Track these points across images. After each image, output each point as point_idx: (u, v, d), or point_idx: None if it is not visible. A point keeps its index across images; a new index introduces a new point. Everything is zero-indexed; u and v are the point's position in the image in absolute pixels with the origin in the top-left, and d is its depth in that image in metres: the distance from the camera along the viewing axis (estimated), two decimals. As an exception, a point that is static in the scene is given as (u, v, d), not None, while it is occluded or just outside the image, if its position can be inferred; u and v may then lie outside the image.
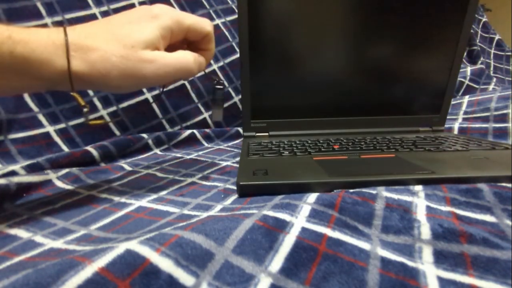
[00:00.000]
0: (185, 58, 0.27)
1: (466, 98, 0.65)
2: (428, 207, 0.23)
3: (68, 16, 0.51)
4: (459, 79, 0.82)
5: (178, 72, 0.27)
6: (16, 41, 0.21)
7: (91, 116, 0.50)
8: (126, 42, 0.25)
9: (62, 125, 0.47)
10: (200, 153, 0.49)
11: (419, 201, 0.23)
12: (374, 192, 0.25)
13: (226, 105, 0.64)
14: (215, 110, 0.36)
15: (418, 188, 0.26)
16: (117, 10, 0.55)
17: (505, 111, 0.52)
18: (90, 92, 0.51)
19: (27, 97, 0.46)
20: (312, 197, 0.24)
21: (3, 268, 0.18)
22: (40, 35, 0.22)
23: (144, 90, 0.55)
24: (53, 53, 0.22)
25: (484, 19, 1.15)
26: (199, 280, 0.16)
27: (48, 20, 0.49)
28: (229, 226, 0.19)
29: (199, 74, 0.59)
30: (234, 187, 0.31)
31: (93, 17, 0.53)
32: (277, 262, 0.17)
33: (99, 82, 0.25)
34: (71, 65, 0.23)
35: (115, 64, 0.24)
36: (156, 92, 0.56)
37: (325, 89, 0.49)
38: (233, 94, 0.65)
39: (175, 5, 0.62)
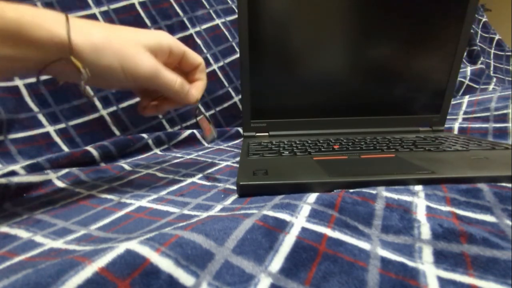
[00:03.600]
0: (174, 78, 0.29)
1: (466, 98, 0.65)
2: (428, 207, 0.23)
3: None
4: (459, 79, 0.82)
5: (161, 85, 0.28)
6: (5, 6, 0.21)
7: (92, 117, 0.50)
8: (129, 39, 0.26)
9: (62, 125, 0.47)
10: (200, 153, 0.49)
11: (419, 201, 0.23)
12: (374, 192, 0.25)
13: (226, 105, 0.64)
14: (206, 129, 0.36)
15: (418, 188, 0.26)
16: (117, 10, 0.55)
17: (505, 111, 0.52)
18: (90, 92, 0.51)
19: (27, 97, 0.46)
20: (312, 197, 0.24)
21: (3, 268, 0.18)
22: (33, 7, 0.22)
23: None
24: (44, 18, 0.22)
25: (484, 19, 1.15)
26: (199, 280, 0.16)
27: (48, 20, 0.49)
28: (229, 226, 0.19)
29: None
30: (234, 187, 0.31)
31: (93, 17, 0.53)
32: (277, 262, 0.17)
33: (90, 55, 0.24)
34: (63, 31, 0.23)
35: (113, 45, 0.25)
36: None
37: (325, 89, 0.49)
38: (233, 94, 0.65)
39: (175, 5, 0.62)
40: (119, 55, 0.25)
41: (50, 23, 0.22)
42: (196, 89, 0.32)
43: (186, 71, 0.32)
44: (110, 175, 0.37)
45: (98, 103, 0.51)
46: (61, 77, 0.26)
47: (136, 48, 0.26)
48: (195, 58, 0.31)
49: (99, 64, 0.25)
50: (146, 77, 0.27)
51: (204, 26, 0.65)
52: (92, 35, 0.24)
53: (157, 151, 0.52)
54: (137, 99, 0.55)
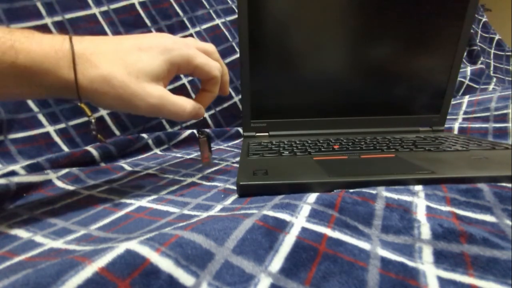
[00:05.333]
0: (182, 107, 0.28)
1: (466, 98, 0.65)
2: (428, 207, 0.23)
3: (68, 16, 0.51)
4: (459, 79, 0.82)
5: (169, 115, 0.28)
6: (18, 51, 0.21)
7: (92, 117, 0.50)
8: (131, 70, 0.25)
9: (62, 125, 0.47)
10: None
11: (419, 201, 0.23)
12: (374, 192, 0.25)
13: (226, 105, 0.64)
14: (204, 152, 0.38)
15: (418, 188, 0.26)
16: (117, 10, 0.55)
17: (505, 111, 0.52)
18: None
19: (27, 97, 0.46)
20: (312, 197, 0.24)
21: (3, 268, 0.18)
22: (43, 44, 0.22)
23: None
24: (55, 64, 0.23)
25: (484, 19, 1.15)
26: (199, 280, 0.16)
27: (48, 20, 0.49)
28: (229, 226, 0.19)
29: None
30: (234, 187, 0.31)
31: (93, 17, 0.53)
32: (277, 262, 0.17)
33: (93, 98, 0.25)
34: (70, 76, 0.23)
35: (114, 88, 0.24)
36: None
37: (325, 89, 0.49)
38: (233, 94, 0.65)
39: (175, 5, 0.62)
40: (120, 100, 0.25)
41: (59, 68, 0.23)
42: (205, 105, 0.31)
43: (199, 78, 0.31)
44: (110, 175, 0.37)
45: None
46: None
47: (139, 83, 0.25)
48: (209, 71, 0.29)
49: (100, 104, 0.26)
50: (149, 113, 0.27)
51: (204, 26, 0.65)
52: (93, 79, 0.24)
53: (157, 151, 0.52)
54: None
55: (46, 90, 0.24)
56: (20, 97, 0.25)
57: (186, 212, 0.26)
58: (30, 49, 0.22)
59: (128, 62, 0.25)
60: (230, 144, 0.57)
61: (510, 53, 1.13)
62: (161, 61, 0.26)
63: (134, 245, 0.17)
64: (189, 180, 0.35)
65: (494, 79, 0.90)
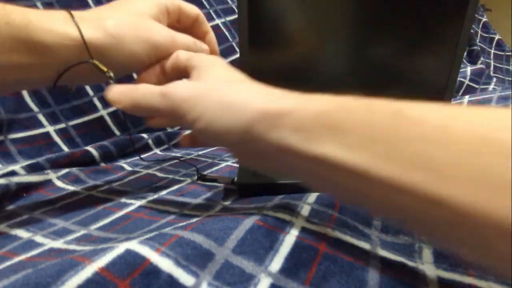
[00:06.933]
0: (188, 38, 0.28)
1: (466, 98, 0.65)
2: (428, 207, 0.22)
3: (68, 16, 0.51)
4: (459, 79, 0.82)
5: (181, 44, 0.27)
6: (9, 11, 0.20)
7: (92, 117, 0.50)
8: (132, 11, 0.25)
9: (62, 125, 0.47)
10: (200, 153, 0.49)
11: (419, 201, 0.23)
12: (374, 192, 0.25)
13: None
14: None
15: (418, 188, 0.26)
16: (117, 10, 0.55)
17: (505, 111, 0.52)
18: (90, 92, 0.51)
19: (27, 97, 0.46)
20: (312, 197, 0.24)
21: (3, 268, 0.18)
22: (41, 11, 0.22)
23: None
24: (53, 21, 0.21)
25: (484, 19, 1.15)
26: (199, 280, 0.16)
27: (48, 20, 0.49)
28: (229, 226, 0.19)
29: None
30: (234, 187, 0.31)
31: (93, 17, 0.53)
32: (277, 262, 0.17)
33: (113, 48, 0.23)
34: (78, 32, 0.22)
35: (128, 29, 0.24)
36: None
37: (325, 89, 0.49)
38: (233, 94, 0.65)
39: (175, 5, 0.62)
40: (139, 40, 0.24)
41: (59, 25, 0.21)
42: (211, 44, 0.31)
43: (186, 27, 0.31)
44: (110, 175, 0.37)
45: (98, 103, 0.51)
46: (78, 81, 0.26)
47: (147, 21, 0.25)
48: (191, 9, 0.29)
49: (122, 53, 0.24)
50: (164, 46, 0.26)
51: (204, 26, 0.65)
52: (104, 25, 0.23)
53: (157, 151, 0.52)
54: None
55: (50, 57, 0.22)
56: (22, 73, 0.22)
57: (186, 212, 0.26)
58: (27, 11, 0.21)
59: (127, 7, 0.25)
60: (230, 144, 0.57)
61: (510, 53, 1.13)
62: (151, 4, 0.26)
63: (134, 245, 0.17)
64: (189, 180, 0.35)
65: (494, 79, 0.90)
